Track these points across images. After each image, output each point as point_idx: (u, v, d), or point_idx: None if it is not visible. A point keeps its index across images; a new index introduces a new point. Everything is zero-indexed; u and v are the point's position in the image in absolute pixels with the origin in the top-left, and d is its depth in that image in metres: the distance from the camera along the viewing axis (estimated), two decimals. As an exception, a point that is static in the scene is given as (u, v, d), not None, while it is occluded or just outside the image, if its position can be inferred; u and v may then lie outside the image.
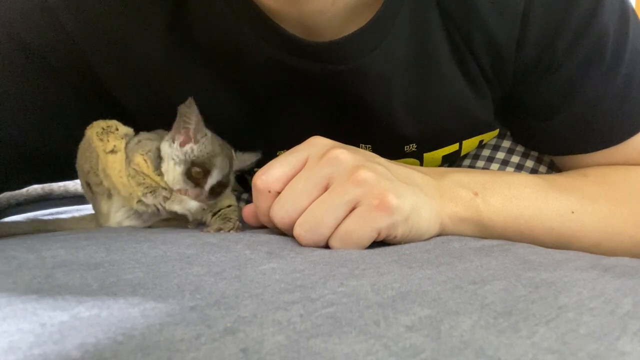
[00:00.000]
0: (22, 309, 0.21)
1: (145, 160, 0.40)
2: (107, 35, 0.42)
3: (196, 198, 0.40)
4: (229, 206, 0.43)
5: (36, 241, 0.33)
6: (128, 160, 0.41)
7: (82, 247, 0.31)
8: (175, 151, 0.40)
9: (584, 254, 0.38)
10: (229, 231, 0.40)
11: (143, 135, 0.43)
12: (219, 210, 0.43)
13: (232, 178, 0.43)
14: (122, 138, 0.42)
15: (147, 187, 0.40)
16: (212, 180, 0.40)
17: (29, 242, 0.33)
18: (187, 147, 0.40)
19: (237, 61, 0.43)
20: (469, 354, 0.20)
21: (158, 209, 0.41)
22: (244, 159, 0.45)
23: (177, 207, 0.40)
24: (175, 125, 0.40)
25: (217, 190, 0.41)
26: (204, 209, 0.42)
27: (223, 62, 0.44)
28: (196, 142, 0.40)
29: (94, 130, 0.42)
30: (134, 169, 0.40)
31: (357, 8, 0.40)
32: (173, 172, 0.40)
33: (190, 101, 0.39)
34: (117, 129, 0.42)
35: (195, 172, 0.40)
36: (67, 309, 0.21)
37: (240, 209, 0.43)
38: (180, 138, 0.40)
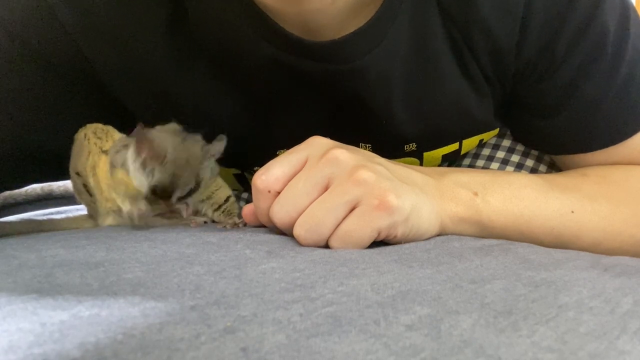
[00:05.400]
0: (22, 309, 0.21)
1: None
2: (107, 33, 0.42)
3: (169, 207, 0.39)
4: (228, 197, 0.43)
5: (36, 241, 0.33)
6: (112, 167, 0.39)
7: (82, 247, 0.31)
8: (137, 172, 0.37)
9: (584, 253, 0.38)
10: (237, 225, 0.41)
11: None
12: (219, 206, 0.43)
13: (206, 172, 0.40)
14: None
15: (128, 195, 0.39)
16: (177, 195, 0.38)
17: (29, 242, 0.33)
18: (148, 169, 0.37)
19: (237, 60, 0.43)
20: (469, 353, 0.20)
21: (134, 215, 0.39)
22: (214, 149, 0.41)
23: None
24: (136, 144, 0.37)
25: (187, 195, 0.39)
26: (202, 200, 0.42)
27: (223, 61, 0.44)
28: (156, 165, 0.37)
29: (90, 130, 0.42)
30: (115, 181, 0.38)
31: (357, 7, 0.40)
32: (140, 187, 0.38)
33: (139, 129, 0.36)
34: (113, 134, 0.42)
35: (159, 195, 0.38)
36: (67, 308, 0.21)
37: (240, 209, 0.43)
38: (139, 160, 0.37)
